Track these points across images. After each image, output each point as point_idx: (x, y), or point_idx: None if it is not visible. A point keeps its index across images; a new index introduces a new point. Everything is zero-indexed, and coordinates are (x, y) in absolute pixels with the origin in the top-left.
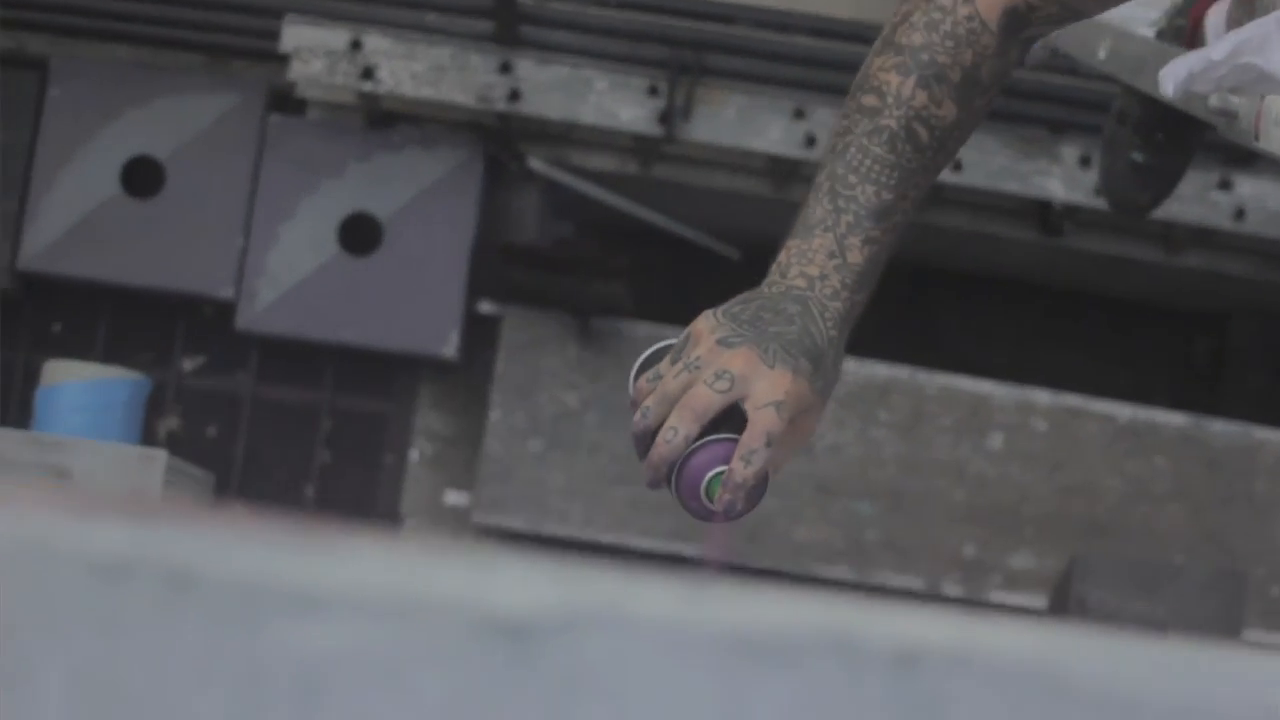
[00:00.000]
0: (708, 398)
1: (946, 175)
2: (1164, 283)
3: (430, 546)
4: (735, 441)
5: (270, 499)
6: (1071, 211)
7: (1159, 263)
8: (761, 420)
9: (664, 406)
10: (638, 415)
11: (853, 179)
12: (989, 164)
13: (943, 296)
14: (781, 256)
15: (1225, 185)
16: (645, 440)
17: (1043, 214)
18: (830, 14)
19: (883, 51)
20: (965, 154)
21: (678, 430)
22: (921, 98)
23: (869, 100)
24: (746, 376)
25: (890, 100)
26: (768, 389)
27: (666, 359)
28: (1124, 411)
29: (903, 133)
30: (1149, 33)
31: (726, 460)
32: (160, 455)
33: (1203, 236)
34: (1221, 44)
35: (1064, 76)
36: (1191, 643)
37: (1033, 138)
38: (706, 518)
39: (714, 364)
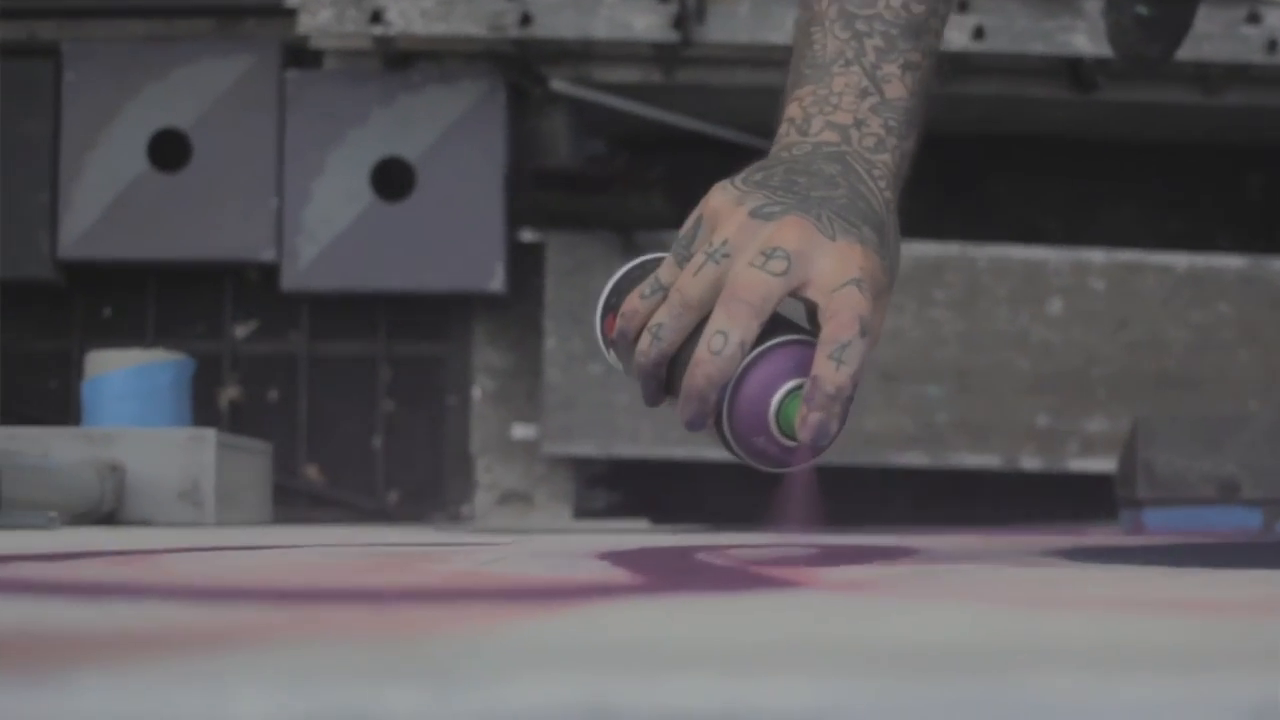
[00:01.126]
0: (763, 282)
1: (971, 43)
2: (1207, 124)
3: None
4: (807, 343)
5: (339, 456)
6: (1103, 64)
7: (1199, 104)
8: (846, 304)
9: (687, 316)
10: (645, 340)
11: None
12: (1012, 27)
13: (987, 167)
14: (793, 110)
15: (1254, 19)
16: (659, 371)
17: (1074, 71)
18: None
19: None
20: (986, 19)
21: (728, 334)
22: None
23: None
24: (805, 252)
25: None
26: (837, 265)
27: (665, 263)
28: (1181, 261)
29: None
30: None
31: (801, 370)
32: (210, 435)
33: (1238, 73)
34: None
35: None
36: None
37: None
38: (781, 459)
39: (754, 243)
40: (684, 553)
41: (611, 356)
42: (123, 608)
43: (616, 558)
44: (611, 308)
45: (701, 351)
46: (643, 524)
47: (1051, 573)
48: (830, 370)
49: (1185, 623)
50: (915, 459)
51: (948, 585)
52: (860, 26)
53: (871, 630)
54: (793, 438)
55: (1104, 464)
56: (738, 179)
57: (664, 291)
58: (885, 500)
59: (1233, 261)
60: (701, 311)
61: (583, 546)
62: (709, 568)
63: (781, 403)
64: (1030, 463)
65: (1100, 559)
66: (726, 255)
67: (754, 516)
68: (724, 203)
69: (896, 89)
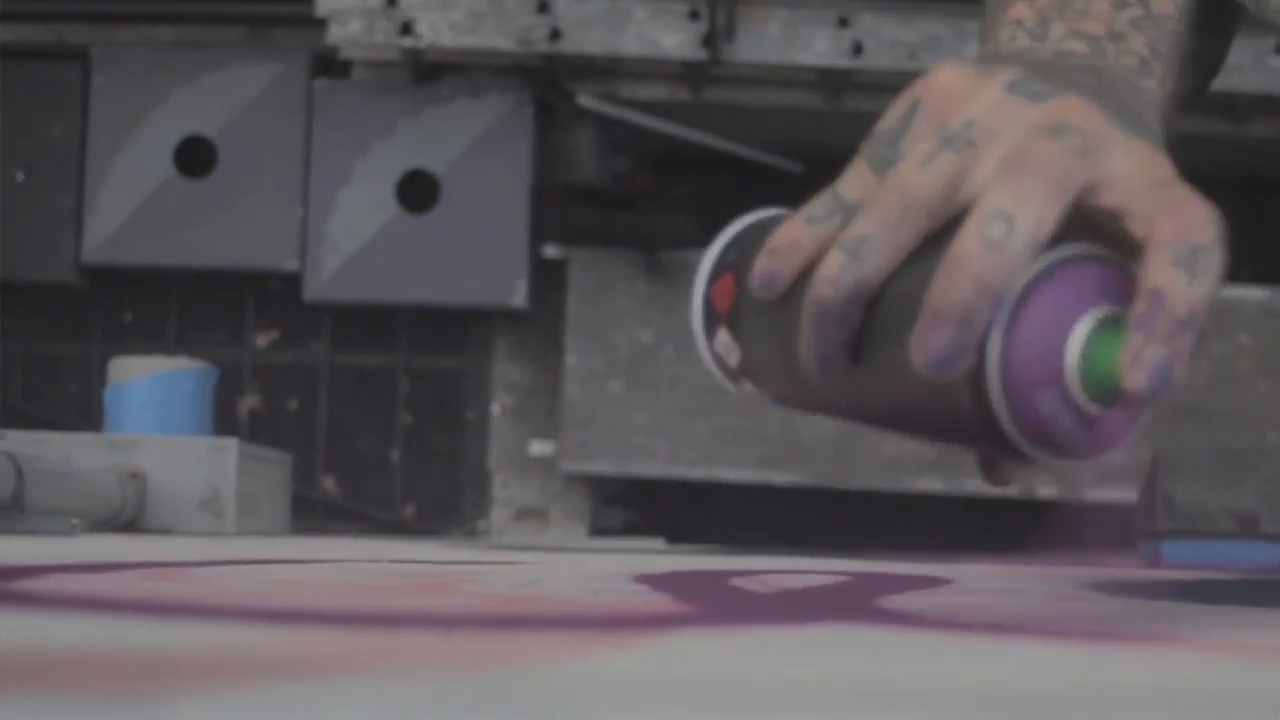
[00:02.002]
0: (1059, 158)
1: None
2: (1232, 155)
3: None
4: (1116, 263)
5: (357, 468)
6: None
7: (1227, 135)
8: (1186, 200)
9: (909, 224)
10: (834, 262)
11: None
12: None
13: None
14: (1018, 10)
15: None
16: (853, 311)
17: None
18: None
19: None
20: None
21: (1014, 220)
22: None
23: None
24: (1101, 135)
25: None
26: (1146, 166)
27: (848, 176)
28: None
29: None
30: None
31: (1113, 296)
32: (232, 444)
33: (1266, 104)
34: None
35: None
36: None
37: None
38: (1070, 436)
39: (1020, 123)
40: (718, 578)
41: (719, 344)
42: (199, 628)
43: (654, 581)
44: (729, 267)
45: (969, 245)
46: (658, 543)
47: (1097, 607)
48: (1180, 284)
49: (1265, 667)
50: (932, 484)
51: (999, 618)
52: None
53: (955, 669)
54: (1100, 398)
55: (1123, 493)
56: (978, 58)
57: (845, 213)
58: (902, 526)
59: (1254, 293)
60: (932, 220)
61: (613, 568)
62: (753, 596)
63: (1089, 341)
64: (1047, 490)
65: (1135, 593)
66: (972, 143)
67: (768, 538)
68: (959, 78)
69: (1165, 5)
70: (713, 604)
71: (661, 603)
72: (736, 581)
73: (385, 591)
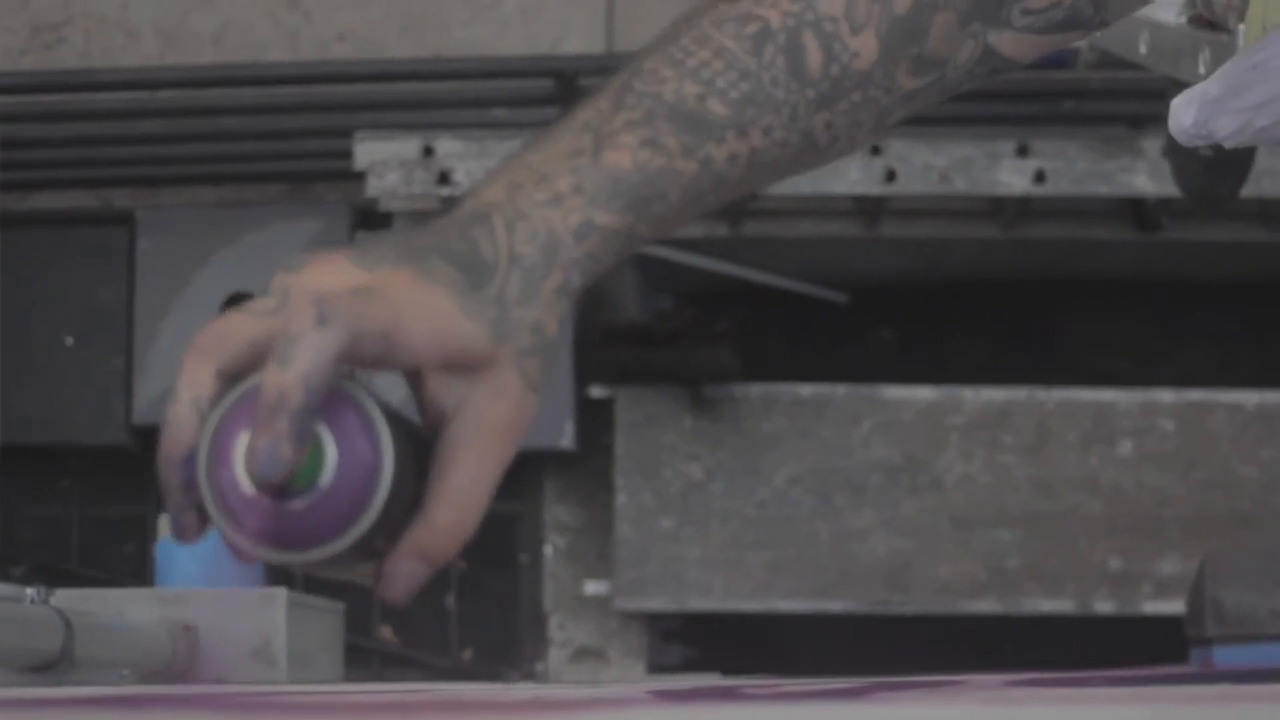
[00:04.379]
0: (221, 324)
1: (1032, 187)
2: (1272, 260)
3: None
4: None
5: (412, 615)
6: (1165, 204)
7: (1262, 241)
8: (299, 291)
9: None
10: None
11: (668, 72)
12: (1073, 170)
13: (1057, 310)
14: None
15: None
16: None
17: (1137, 211)
18: None
19: None
20: (1046, 163)
21: (177, 392)
22: (838, 4)
23: None
24: (293, 288)
25: None
26: (323, 273)
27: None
28: (1251, 398)
29: (783, 36)
30: (1180, 19)
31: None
32: (281, 594)
33: None
34: (1272, 43)
35: (1132, 70)
36: None
37: (1112, 136)
38: (278, 529)
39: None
40: (731, 689)
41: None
42: None
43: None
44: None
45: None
46: (716, 678)
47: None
48: (272, 374)
49: None
50: (988, 606)
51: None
52: (628, 99)
53: None
54: (262, 490)
55: (1179, 605)
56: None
57: None
58: (959, 649)
59: None
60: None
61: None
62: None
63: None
64: (1104, 606)
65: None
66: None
67: (827, 667)
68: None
69: (621, 157)
70: (693, 695)
71: (643, 698)
72: (747, 690)
73: None
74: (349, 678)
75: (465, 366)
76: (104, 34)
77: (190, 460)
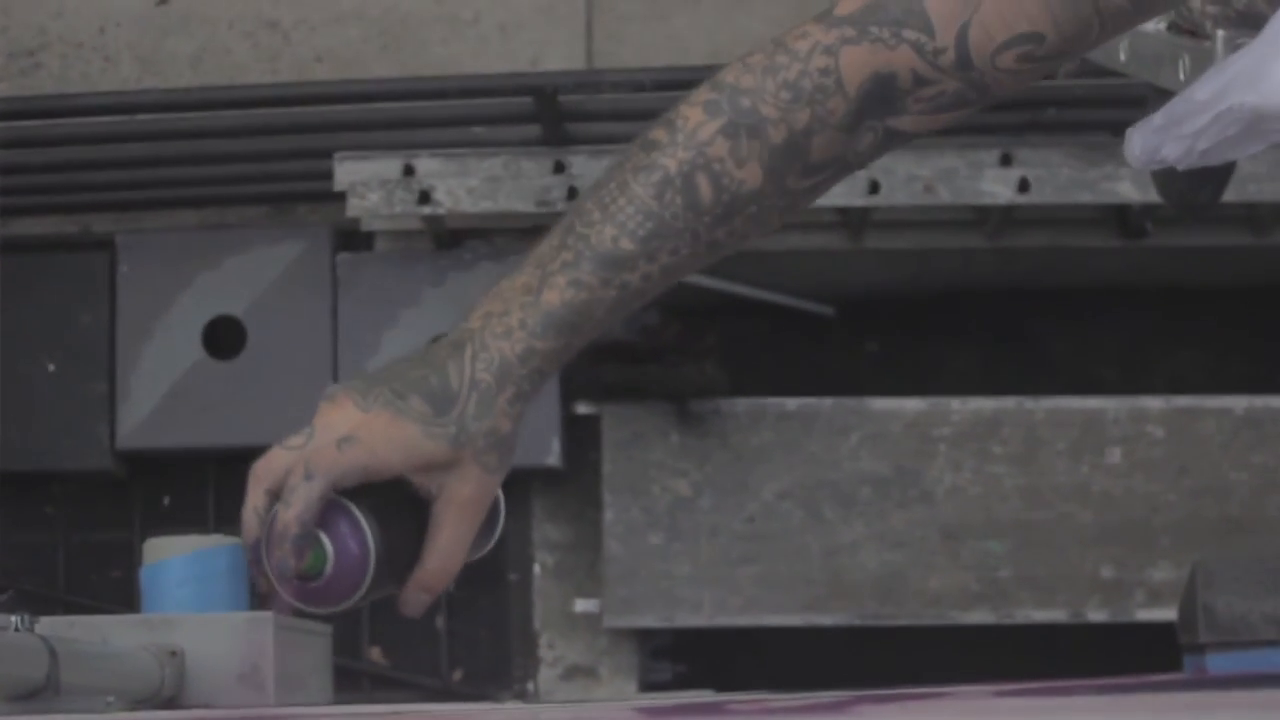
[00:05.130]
0: (281, 455)
1: (1016, 196)
2: (1259, 265)
3: None
4: (335, 503)
5: (402, 636)
6: (1149, 211)
7: (1249, 246)
8: (291, 457)
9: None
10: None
11: (597, 215)
12: (1056, 178)
13: (1044, 318)
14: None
15: None
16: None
17: (1121, 218)
18: None
19: (700, 87)
20: (1030, 171)
21: (291, 492)
22: (721, 147)
23: (656, 133)
24: (316, 425)
25: (680, 138)
26: (332, 423)
27: None
28: (1240, 404)
29: (680, 179)
30: (1159, 26)
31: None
32: (268, 618)
33: None
34: (1206, 82)
35: (1114, 78)
36: None
37: (1095, 144)
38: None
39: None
40: (718, 705)
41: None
42: None
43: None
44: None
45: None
46: (708, 694)
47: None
48: (280, 512)
49: None
50: (981, 617)
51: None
52: (570, 240)
53: None
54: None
55: (1171, 613)
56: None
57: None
58: (953, 660)
59: None
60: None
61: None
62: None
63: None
64: (1096, 615)
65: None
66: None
67: (820, 681)
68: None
69: (553, 297)
70: (679, 711)
71: (630, 715)
72: (734, 705)
73: None
74: (338, 700)
75: (436, 468)
76: (81, 58)
77: (257, 548)
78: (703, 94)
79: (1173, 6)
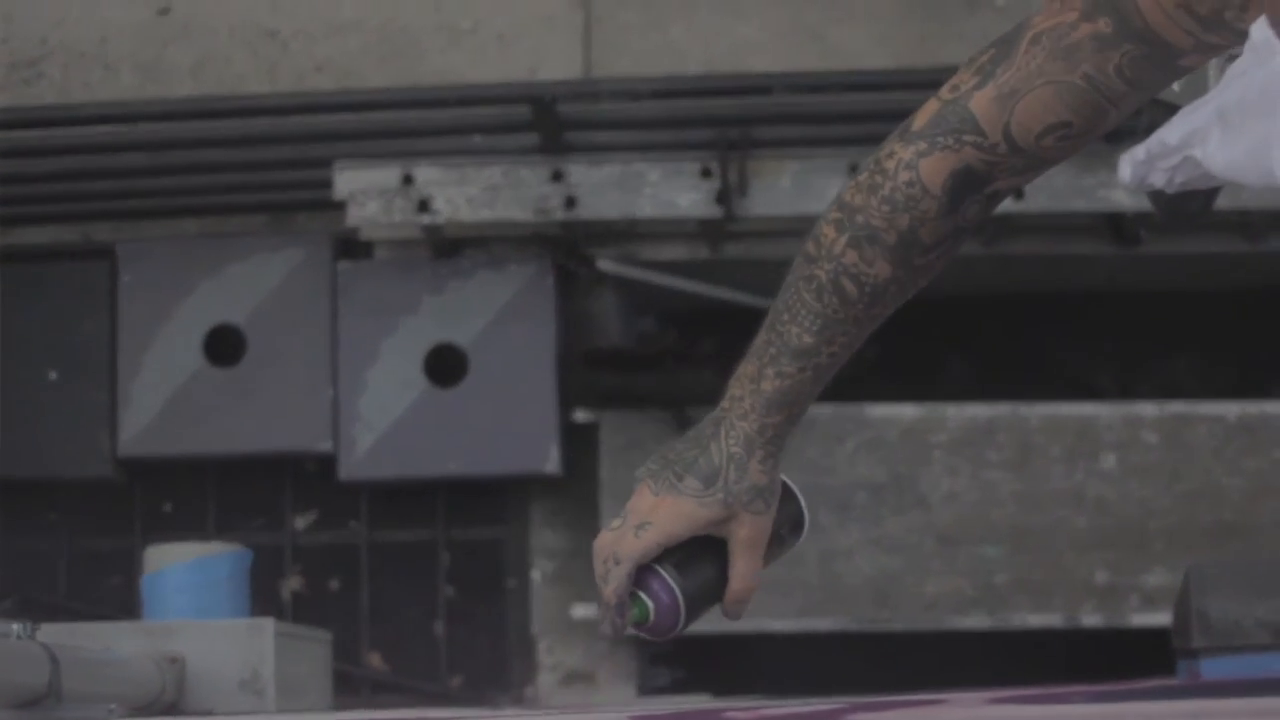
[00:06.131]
0: (605, 539)
1: (1012, 204)
2: (1252, 272)
3: None
4: (650, 569)
5: (402, 642)
6: (1143, 218)
7: (1243, 252)
8: (610, 540)
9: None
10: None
11: (785, 316)
12: (1051, 186)
13: (1038, 325)
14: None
15: None
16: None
17: (1115, 226)
18: (865, 66)
19: (835, 201)
20: None
21: (607, 575)
22: (852, 256)
23: (809, 247)
24: (629, 509)
25: (823, 253)
26: (635, 509)
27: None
28: (1232, 409)
29: (830, 285)
30: None
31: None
32: (268, 624)
33: (1278, 220)
34: (1174, 125)
35: None
36: None
37: (1090, 152)
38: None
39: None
40: (714, 713)
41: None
42: None
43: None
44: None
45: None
46: (705, 698)
47: None
48: (603, 588)
49: None
50: (977, 621)
51: None
52: (772, 335)
53: None
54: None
55: (1166, 617)
56: (658, 453)
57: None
58: (949, 664)
59: None
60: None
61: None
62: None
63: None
64: (1091, 619)
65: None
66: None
67: (817, 685)
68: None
69: (768, 385)
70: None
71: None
72: (730, 712)
73: None
74: (339, 706)
75: (717, 523)
76: (82, 69)
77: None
78: (833, 213)
79: (1171, 82)
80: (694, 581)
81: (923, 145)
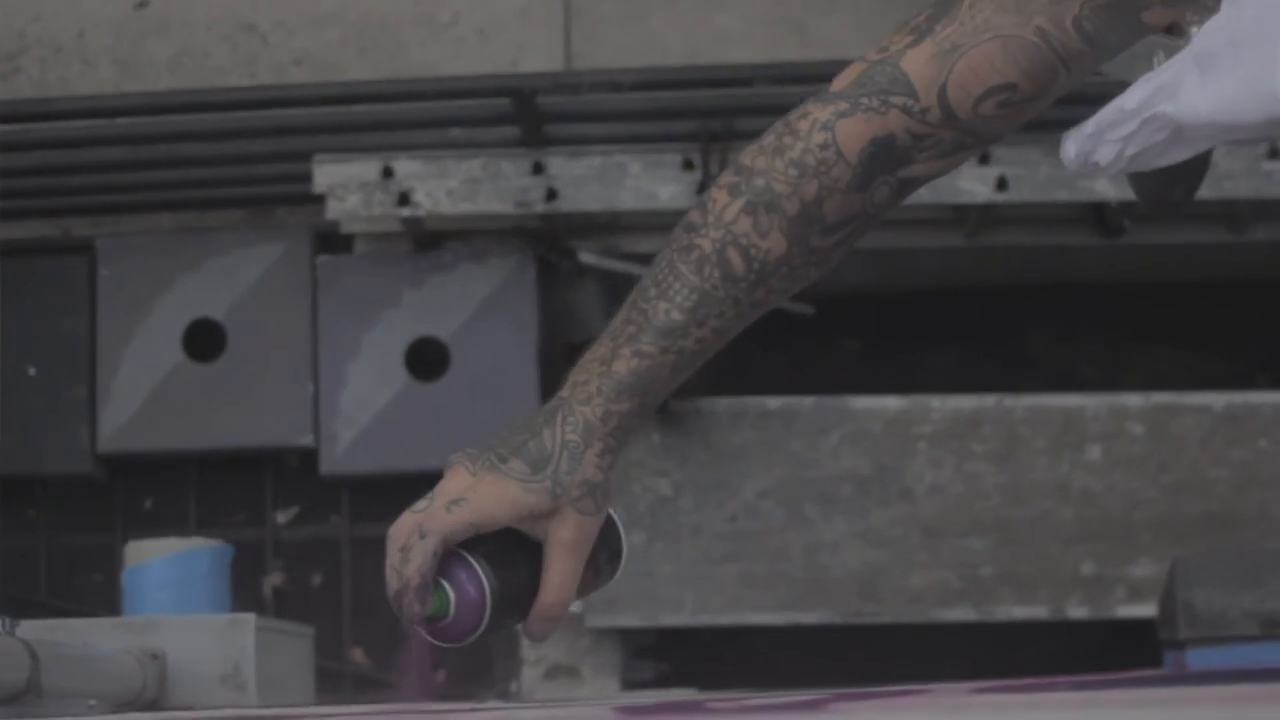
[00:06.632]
0: (406, 520)
1: (994, 194)
2: (1237, 262)
3: None
4: (454, 554)
5: (384, 637)
6: (1127, 208)
7: (1228, 242)
8: (412, 521)
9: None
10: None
11: (653, 292)
12: (1034, 176)
13: (1023, 316)
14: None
15: (1275, 155)
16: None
17: (1099, 216)
18: (847, 57)
19: (730, 166)
20: (1008, 170)
21: (409, 552)
22: (744, 224)
23: (694, 216)
24: (437, 490)
25: (711, 220)
26: (446, 490)
27: None
28: (1219, 400)
29: (714, 256)
30: None
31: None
32: (249, 619)
33: (1264, 209)
34: (1135, 90)
35: (1092, 76)
36: None
37: None
38: (424, 629)
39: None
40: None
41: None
42: None
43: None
44: None
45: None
46: (691, 693)
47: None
48: (402, 569)
49: None
50: (962, 614)
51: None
52: (634, 314)
53: None
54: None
55: (1152, 609)
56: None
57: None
58: (936, 657)
59: (1271, 398)
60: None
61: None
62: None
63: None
64: (1077, 611)
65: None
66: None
67: (802, 678)
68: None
69: (620, 367)
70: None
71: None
72: (713, 704)
73: None
74: (321, 702)
75: (539, 517)
76: (60, 62)
77: (398, 599)
78: (727, 177)
79: (1130, 44)
80: (505, 582)
81: (844, 105)
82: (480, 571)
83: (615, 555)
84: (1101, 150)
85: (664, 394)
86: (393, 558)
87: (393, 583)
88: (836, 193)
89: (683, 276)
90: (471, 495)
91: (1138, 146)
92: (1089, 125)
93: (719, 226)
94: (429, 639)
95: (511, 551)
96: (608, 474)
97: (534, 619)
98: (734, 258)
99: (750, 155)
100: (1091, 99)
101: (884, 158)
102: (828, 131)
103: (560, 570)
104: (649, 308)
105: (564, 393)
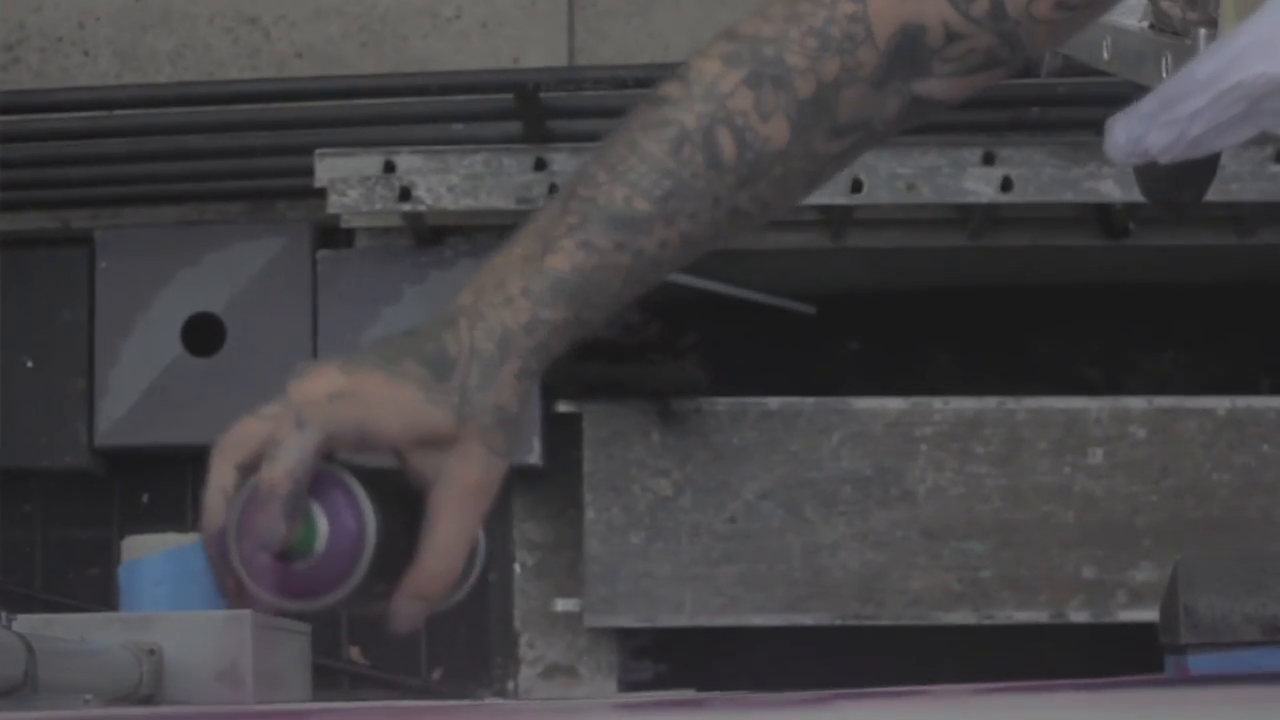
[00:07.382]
0: (241, 430)
1: (999, 195)
2: (1242, 265)
3: None
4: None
5: (381, 635)
6: (1132, 210)
7: (1233, 245)
8: (284, 404)
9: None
10: None
11: (603, 177)
12: (1039, 177)
13: (1026, 318)
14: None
15: None
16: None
17: (1104, 217)
18: None
19: (714, 40)
20: (1013, 170)
21: (211, 484)
22: (744, 99)
23: (667, 89)
24: (292, 391)
25: (697, 90)
26: (315, 385)
27: None
28: (1222, 404)
29: (698, 135)
30: (1142, 24)
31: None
32: (247, 616)
33: (1270, 212)
34: (1206, 60)
35: (1097, 76)
36: None
37: (1078, 142)
38: (267, 579)
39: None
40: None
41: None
42: None
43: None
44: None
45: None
46: (690, 693)
47: None
48: (266, 470)
49: None
50: (962, 617)
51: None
52: (573, 204)
53: None
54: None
55: (1153, 613)
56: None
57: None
58: (935, 660)
59: (1275, 403)
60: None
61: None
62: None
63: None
64: (1078, 615)
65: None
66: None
67: (802, 681)
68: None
69: (560, 261)
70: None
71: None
72: (709, 701)
73: None
74: (318, 699)
75: (438, 443)
76: (60, 54)
77: (223, 536)
78: (718, 46)
79: None
80: (387, 523)
81: None
82: (362, 498)
83: (470, 566)
84: (1156, 134)
85: (602, 315)
86: (224, 478)
87: (217, 513)
88: (857, 80)
89: (650, 157)
90: (359, 392)
91: (1205, 125)
92: (1147, 104)
93: (710, 99)
94: (268, 596)
95: (395, 491)
96: (522, 406)
97: (407, 593)
98: (725, 140)
99: (752, 23)
100: (1098, 100)
101: (907, 54)
102: (859, 3)
103: (451, 527)
104: (599, 195)
105: (464, 298)
